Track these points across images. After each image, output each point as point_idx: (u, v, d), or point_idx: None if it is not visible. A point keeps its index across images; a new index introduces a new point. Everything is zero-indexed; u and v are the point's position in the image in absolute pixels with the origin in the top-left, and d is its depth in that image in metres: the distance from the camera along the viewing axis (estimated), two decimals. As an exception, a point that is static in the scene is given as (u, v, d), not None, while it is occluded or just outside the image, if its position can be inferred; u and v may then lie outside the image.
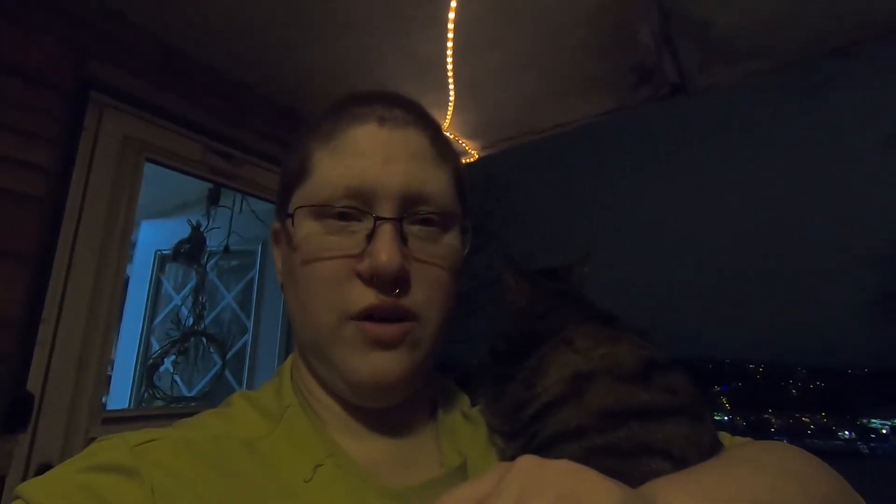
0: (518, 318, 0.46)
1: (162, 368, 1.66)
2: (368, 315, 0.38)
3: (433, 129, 0.43)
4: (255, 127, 1.60)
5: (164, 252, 1.89)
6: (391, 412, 0.42)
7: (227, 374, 1.70)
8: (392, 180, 0.39)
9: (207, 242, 1.78)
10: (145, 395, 1.60)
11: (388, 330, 0.39)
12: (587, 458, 0.33)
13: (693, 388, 0.38)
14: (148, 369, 1.61)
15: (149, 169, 1.36)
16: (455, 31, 1.18)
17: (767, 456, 0.34)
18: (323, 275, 0.39)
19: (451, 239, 0.43)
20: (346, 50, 1.38)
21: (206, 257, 1.77)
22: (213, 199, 1.74)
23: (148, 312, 1.89)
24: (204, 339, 1.68)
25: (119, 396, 1.79)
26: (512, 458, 0.37)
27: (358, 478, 0.37)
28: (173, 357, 1.67)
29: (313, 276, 0.39)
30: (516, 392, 0.40)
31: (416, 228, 0.41)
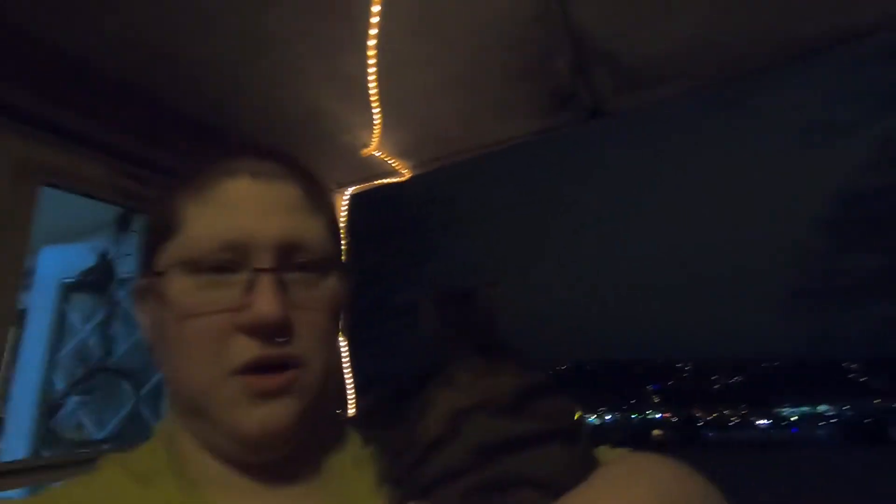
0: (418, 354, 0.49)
1: (68, 410, 1.51)
2: (253, 367, 0.38)
3: (306, 181, 0.44)
4: (171, 146, 1.52)
5: (68, 281, 1.73)
6: (273, 466, 0.40)
7: (144, 410, 1.57)
8: (268, 232, 0.39)
9: (118, 270, 1.64)
10: (44, 441, 1.44)
11: (274, 380, 0.38)
12: (465, 497, 0.35)
13: (570, 409, 0.41)
14: (47, 411, 1.45)
15: (50, 190, 1.24)
16: (378, 50, 1.18)
17: (635, 469, 0.36)
18: (200, 332, 0.38)
19: (331, 283, 0.43)
20: (270, 67, 1.35)
21: (115, 286, 1.64)
22: (123, 225, 1.62)
23: (50, 348, 1.72)
24: (114, 375, 1.55)
25: (17, 445, 1.60)
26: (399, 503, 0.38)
27: None
28: (79, 397, 1.52)
29: (190, 333, 0.38)
30: (399, 437, 0.41)
31: (295, 276, 0.41)
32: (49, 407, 1.49)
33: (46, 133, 1.21)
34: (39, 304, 1.97)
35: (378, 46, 1.21)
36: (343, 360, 2.04)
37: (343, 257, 0.47)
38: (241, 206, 0.40)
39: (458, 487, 0.35)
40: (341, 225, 2.25)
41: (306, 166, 0.46)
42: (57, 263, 1.85)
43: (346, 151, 1.73)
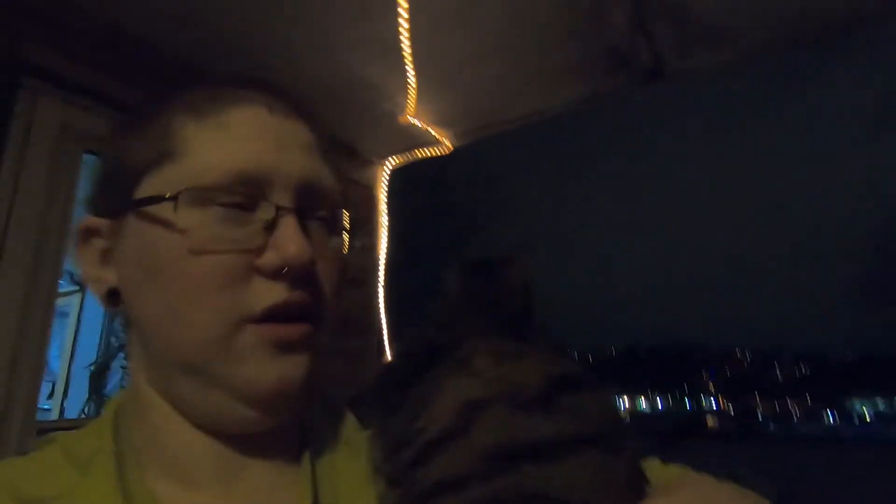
0: (424, 328, 0.40)
1: (116, 372, 1.58)
2: (271, 316, 0.34)
3: (320, 127, 0.40)
4: None
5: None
6: (254, 446, 0.36)
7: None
8: (289, 169, 0.35)
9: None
10: (91, 403, 1.52)
11: (296, 330, 0.34)
12: None
13: (612, 409, 0.32)
14: (93, 376, 1.52)
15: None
16: (413, 11, 1.10)
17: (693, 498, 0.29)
18: (214, 272, 0.33)
19: (339, 240, 0.39)
20: (303, 34, 1.30)
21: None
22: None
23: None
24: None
25: (76, 405, 1.71)
26: None
27: None
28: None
29: (200, 274, 0.33)
30: (399, 425, 0.33)
31: (312, 224, 0.36)
32: (100, 369, 1.56)
33: (89, 100, 1.23)
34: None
35: (413, 7, 1.13)
36: (384, 340, 2.03)
37: (352, 225, 0.41)
38: (259, 137, 0.35)
39: (462, 500, 0.28)
40: (383, 201, 2.22)
41: (318, 113, 0.41)
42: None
43: (385, 119, 1.67)
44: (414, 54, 1.22)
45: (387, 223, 2.18)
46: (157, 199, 0.34)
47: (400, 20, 1.10)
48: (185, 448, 0.35)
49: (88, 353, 1.81)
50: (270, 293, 0.34)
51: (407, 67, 1.26)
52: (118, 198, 0.35)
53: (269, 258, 0.33)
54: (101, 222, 0.36)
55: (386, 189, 2.19)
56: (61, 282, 1.26)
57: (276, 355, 0.34)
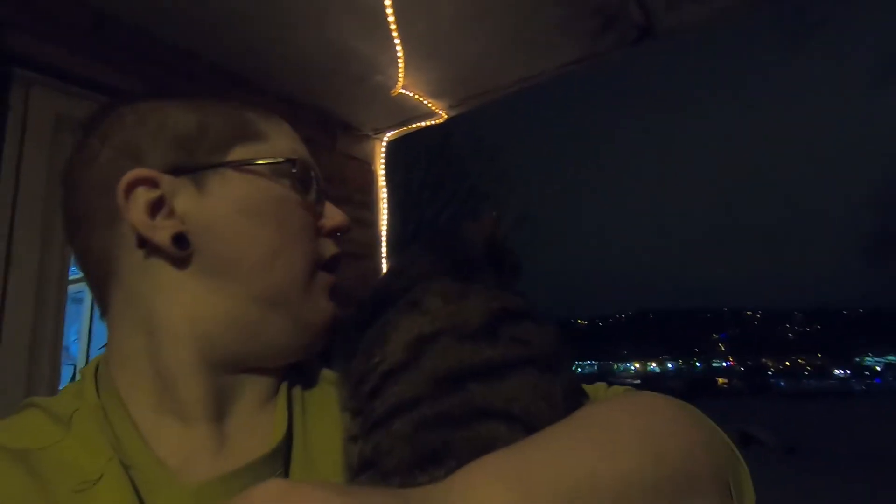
0: (378, 280, 0.44)
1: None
2: (332, 264, 0.45)
3: None
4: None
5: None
6: (245, 385, 0.41)
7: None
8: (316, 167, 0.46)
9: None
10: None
11: (339, 281, 0.46)
12: (415, 431, 0.30)
13: (552, 335, 0.35)
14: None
15: None
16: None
17: (624, 413, 0.31)
18: (304, 225, 0.43)
19: None
20: (292, 6, 1.29)
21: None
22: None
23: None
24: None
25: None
26: (355, 437, 0.34)
27: (152, 478, 0.34)
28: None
29: (301, 224, 0.43)
30: (359, 364, 0.36)
31: None
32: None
33: (82, 89, 1.24)
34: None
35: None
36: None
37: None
38: (298, 139, 0.47)
39: (412, 419, 0.30)
40: (381, 173, 2.23)
41: None
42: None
43: (379, 93, 1.67)
44: (400, 24, 1.21)
45: (386, 197, 2.20)
46: (272, 163, 0.42)
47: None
48: (187, 386, 0.38)
49: (104, 336, 1.87)
50: (332, 246, 0.46)
51: (394, 38, 1.25)
52: (193, 156, 0.40)
53: (330, 222, 0.46)
54: (159, 175, 0.38)
55: (384, 163, 2.19)
56: (72, 269, 1.30)
57: (331, 298, 0.45)
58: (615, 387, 0.42)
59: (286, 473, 0.38)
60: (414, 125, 2.00)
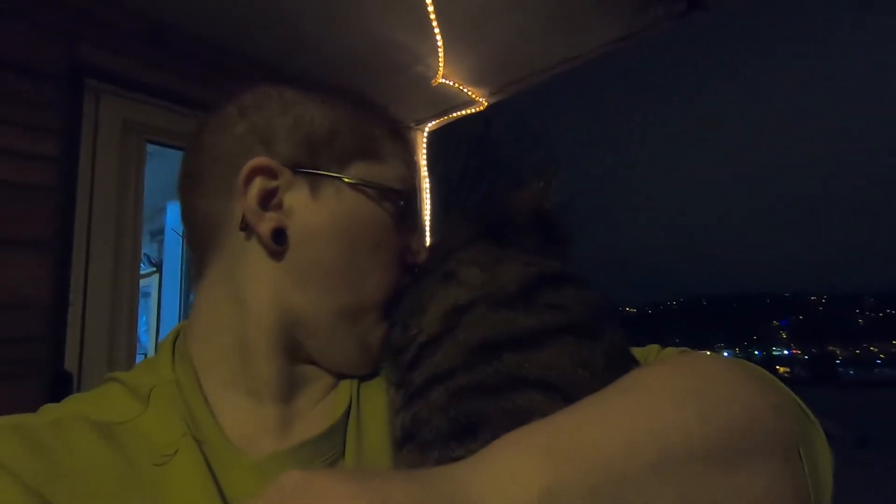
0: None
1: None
2: None
3: None
4: None
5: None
6: (313, 372, 0.43)
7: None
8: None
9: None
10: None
11: None
12: (451, 401, 0.30)
13: (593, 300, 0.33)
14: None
15: (170, 151, 1.38)
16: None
17: (671, 376, 0.29)
18: (395, 254, 0.43)
19: None
20: (329, 6, 1.32)
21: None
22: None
23: (183, 291, 1.98)
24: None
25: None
26: (397, 410, 0.35)
27: (221, 453, 0.36)
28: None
29: (395, 249, 0.42)
30: (397, 336, 0.37)
31: None
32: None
33: (145, 95, 1.33)
34: (171, 253, 2.26)
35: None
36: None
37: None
38: (414, 164, 0.45)
39: (447, 389, 0.30)
40: (422, 164, 2.25)
41: None
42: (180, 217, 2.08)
43: (419, 83, 1.69)
44: (438, 13, 1.22)
45: (429, 187, 2.22)
46: (387, 189, 0.42)
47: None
48: (264, 367, 0.40)
49: (171, 326, 2.00)
50: (405, 278, 0.43)
51: (433, 28, 1.26)
52: (317, 160, 0.41)
53: (414, 258, 0.44)
54: (280, 168, 0.40)
55: (426, 153, 2.21)
56: (141, 263, 1.39)
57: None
58: (669, 349, 0.40)
59: (342, 450, 0.39)
60: (455, 114, 2.01)
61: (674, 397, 0.27)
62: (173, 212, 2.25)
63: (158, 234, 2.47)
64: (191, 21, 1.39)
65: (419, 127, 2.12)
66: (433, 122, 2.12)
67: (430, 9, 1.18)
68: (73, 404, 0.38)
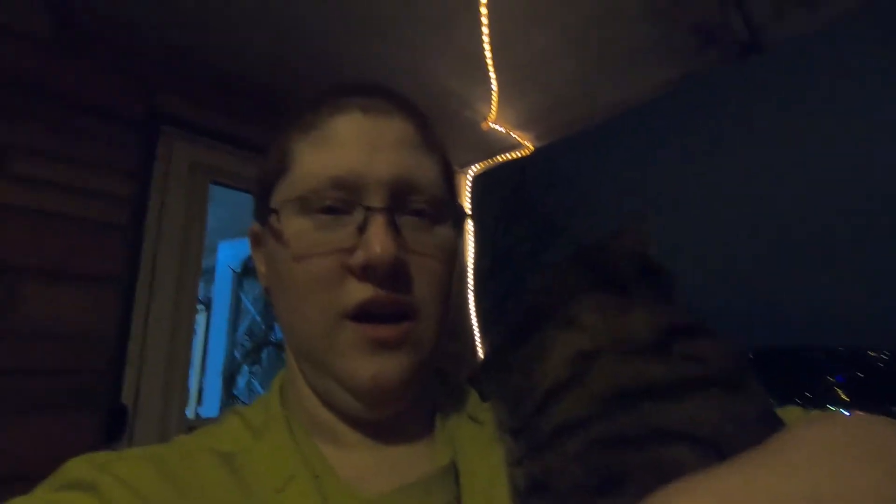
0: (523, 297, 0.41)
1: (243, 378, 1.76)
2: (366, 313, 0.36)
3: (419, 117, 0.42)
4: None
5: (240, 270, 2.00)
6: (386, 422, 0.39)
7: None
8: (381, 169, 0.37)
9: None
10: (227, 403, 1.70)
11: (390, 331, 0.36)
12: (589, 451, 0.28)
13: (730, 352, 0.31)
14: (226, 380, 1.72)
15: (223, 192, 1.44)
16: (491, 16, 1.13)
17: (847, 433, 0.26)
18: (314, 273, 0.36)
19: (445, 230, 0.41)
20: (390, 49, 1.38)
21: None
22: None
23: (230, 327, 2.01)
24: (276, 348, 1.76)
25: (211, 406, 1.91)
26: (520, 459, 0.33)
27: (334, 488, 0.36)
28: (250, 367, 1.77)
29: (303, 274, 0.37)
30: (516, 382, 0.35)
31: (408, 219, 0.39)
32: (229, 376, 1.74)
33: (211, 139, 1.40)
34: (220, 291, 2.32)
35: (491, 12, 1.16)
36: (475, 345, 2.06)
37: (460, 212, 0.44)
38: (352, 143, 0.38)
39: (583, 439, 0.28)
40: (467, 208, 2.27)
41: (416, 103, 0.44)
42: (231, 255, 2.15)
43: (467, 128, 1.72)
44: (495, 59, 1.25)
45: (472, 229, 2.23)
46: (271, 212, 0.38)
47: (482, 28, 1.14)
48: (319, 420, 0.40)
49: (216, 364, 2.03)
50: (360, 290, 0.36)
51: (489, 74, 1.29)
52: (261, 208, 0.41)
53: (356, 258, 0.36)
54: (258, 228, 0.43)
55: (469, 196, 2.23)
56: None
57: (373, 353, 0.36)
58: (816, 411, 0.36)
59: (456, 494, 0.37)
60: (501, 157, 2.03)
61: (855, 456, 0.24)
62: (224, 251, 2.32)
63: (207, 272, 2.56)
64: (254, 69, 1.47)
65: (463, 170, 2.15)
66: (478, 166, 2.15)
67: (489, 56, 1.22)
68: (201, 437, 0.40)
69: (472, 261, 2.18)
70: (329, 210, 0.37)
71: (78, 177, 1.15)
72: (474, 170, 2.16)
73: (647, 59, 1.38)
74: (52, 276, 1.10)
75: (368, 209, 0.36)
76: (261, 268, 0.44)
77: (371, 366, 0.36)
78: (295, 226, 0.37)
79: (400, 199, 0.38)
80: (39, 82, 1.15)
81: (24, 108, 1.11)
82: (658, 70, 1.44)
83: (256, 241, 0.44)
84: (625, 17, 1.24)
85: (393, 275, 0.36)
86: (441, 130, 1.56)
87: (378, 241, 0.35)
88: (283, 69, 1.47)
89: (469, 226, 2.19)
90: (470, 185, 2.21)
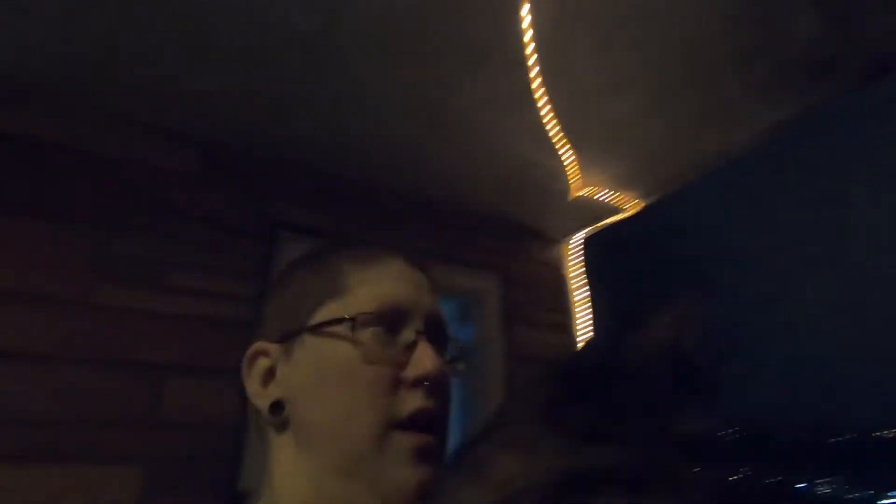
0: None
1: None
2: (413, 423, 0.40)
3: (433, 278, 0.51)
4: (423, 233, 1.73)
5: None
6: None
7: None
8: (423, 304, 0.45)
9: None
10: None
11: (431, 439, 0.40)
12: None
13: None
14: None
15: None
16: (551, 93, 1.13)
17: None
18: (373, 381, 0.40)
19: (457, 364, 0.48)
20: (471, 134, 1.42)
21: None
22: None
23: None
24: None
25: None
26: None
27: None
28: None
29: (363, 383, 0.40)
30: None
31: (437, 347, 0.45)
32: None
33: (317, 237, 1.56)
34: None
35: (552, 90, 1.16)
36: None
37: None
38: (403, 282, 0.46)
39: None
40: (578, 271, 2.16)
41: (430, 268, 0.53)
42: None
43: (562, 197, 1.68)
44: (568, 130, 1.23)
45: (589, 297, 2.10)
46: (339, 321, 0.42)
47: (546, 106, 1.14)
48: None
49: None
50: (414, 400, 0.41)
51: (557, 145, 1.27)
52: (294, 323, 0.44)
53: (413, 371, 0.41)
54: (270, 346, 0.45)
55: (578, 258, 2.14)
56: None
57: (416, 462, 0.39)
58: None
59: None
60: (607, 219, 1.93)
61: None
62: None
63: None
64: (358, 170, 1.63)
65: (566, 239, 2.08)
66: (582, 232, 2.06)
67: (555, 131, 1.20)
68: None
69: (582, 330, 2.04)
70: (383, 329, 0.43)
71: (210, 282, 1.35)
72: (578, 236, 2.08)
73: (751, 101, 1.24)
74: (189, 371, 1.27)
75: (419, 332, 0.43)
76: (259, 387, 0.45)
77: (415, 475, 0.39)
78: (351, 338, 0.42)
79: (433, 330, 0.45)
80: (188, 208, 1.40)
81: (172, 230, 1.36)
82: (767, 111, 1.28)
83: (258, 356, 0.46)
84: (717, 63, 1.14)
85: (439, 387, 0.42)
86: (532, 205, 1.55)
87: (430, 358, 0.42)
88: (390, 171, 1.60)
89: (575, 296, 2.08)
90: (579, 250, 2.13)
